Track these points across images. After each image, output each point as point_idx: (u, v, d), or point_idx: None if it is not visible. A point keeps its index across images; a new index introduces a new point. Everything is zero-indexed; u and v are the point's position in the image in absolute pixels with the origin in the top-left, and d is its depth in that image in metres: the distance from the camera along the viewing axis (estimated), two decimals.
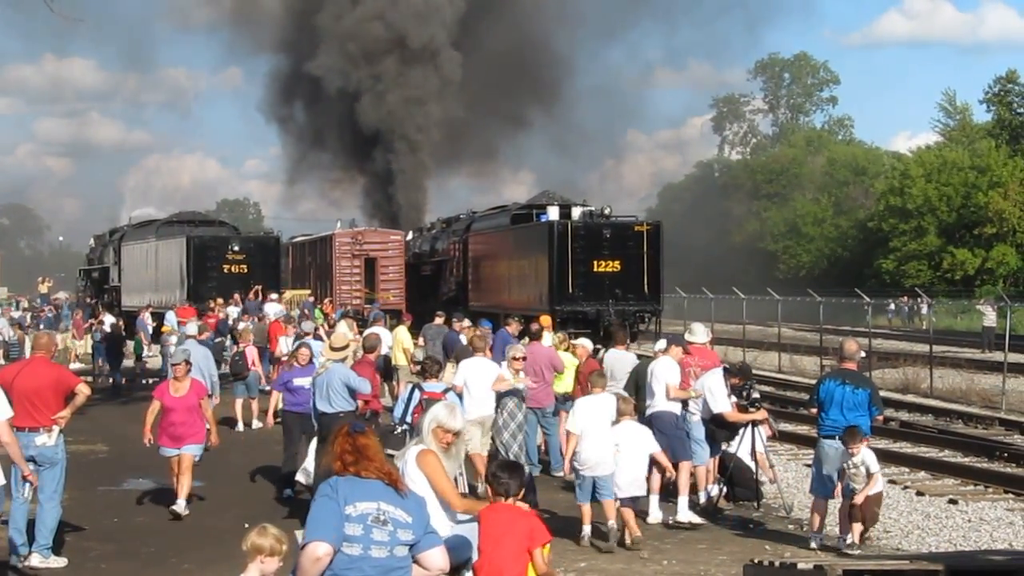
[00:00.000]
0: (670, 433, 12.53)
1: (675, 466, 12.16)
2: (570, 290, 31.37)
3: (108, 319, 36.00)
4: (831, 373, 11.80)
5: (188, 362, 13.28)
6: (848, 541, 11.01)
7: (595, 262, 31.54)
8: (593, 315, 30.66)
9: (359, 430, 5.61)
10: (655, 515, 12.39)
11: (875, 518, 11.49)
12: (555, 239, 31.54)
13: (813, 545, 11.12)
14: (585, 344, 16.63)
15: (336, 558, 5.38)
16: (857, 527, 11.03)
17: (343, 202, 64.24)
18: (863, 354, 14.88)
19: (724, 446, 13.52)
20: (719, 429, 13.07)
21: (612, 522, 11.18)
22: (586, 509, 11.34)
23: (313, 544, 5.31)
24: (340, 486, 5.46)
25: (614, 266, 31.57)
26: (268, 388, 21.86)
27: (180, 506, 12.84)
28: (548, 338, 17.23)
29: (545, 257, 31.97)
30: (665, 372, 12.87)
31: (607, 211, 32.84)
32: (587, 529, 11.33)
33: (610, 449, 11.22)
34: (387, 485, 5.52)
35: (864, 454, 10.91)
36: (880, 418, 11.66)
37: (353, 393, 12.75)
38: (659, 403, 12.81)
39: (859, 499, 10.86)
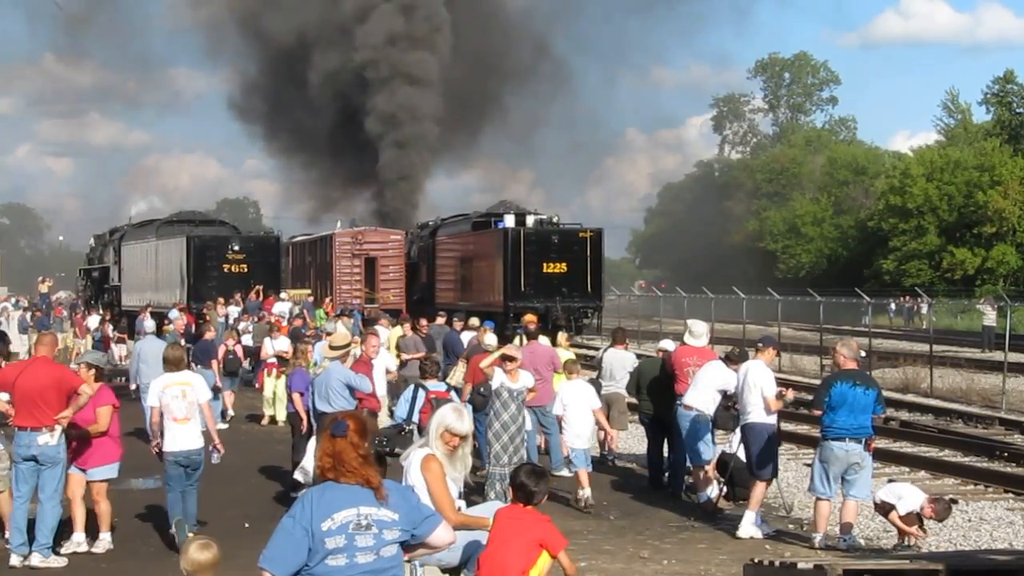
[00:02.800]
0: (761, 447, 11.89)
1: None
2: (522, 289, 35.42)
3: (92, 321, 36.09)
4: (839, 375, 11.49)
5: (92, 366, 11.38)
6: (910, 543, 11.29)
7: (544, 264, 35.82)
8: (543, 311, 33.12)
9: (339, 433, 5.45)
10: (747, 530, 11.74)
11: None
12: (509, 244, 35.67)
13: (816, 544, 11.11)
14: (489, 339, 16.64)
15: (321, 570, 5.33)
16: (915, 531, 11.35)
17: (338, 202, 64.30)
18: (863, 353, 14.86)
19: (725, 441, 13.54)
20: (725, 412, 12.89)
21: (587, 490, 13.11)
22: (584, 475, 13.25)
23: (261, 572, 5.33)
24: (314, 502, 5.37)
25: (561, 268, 35.89)
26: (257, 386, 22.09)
27: (77, 542, 11.00)
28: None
29: (501, 259, 35.98)
30: (762, 379, 11.92)
31: (555, 219, 37.30)
32: (587, 492, 13.13)
33: (591, 425, 13.86)
34: (365, 488, 5.41)
35: None
36: (881, 416, 11.59)
37: (353, 392, 12.72)
38: (755, 414, 11.93)
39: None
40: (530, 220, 37.01)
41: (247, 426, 20.91)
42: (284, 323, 25.80)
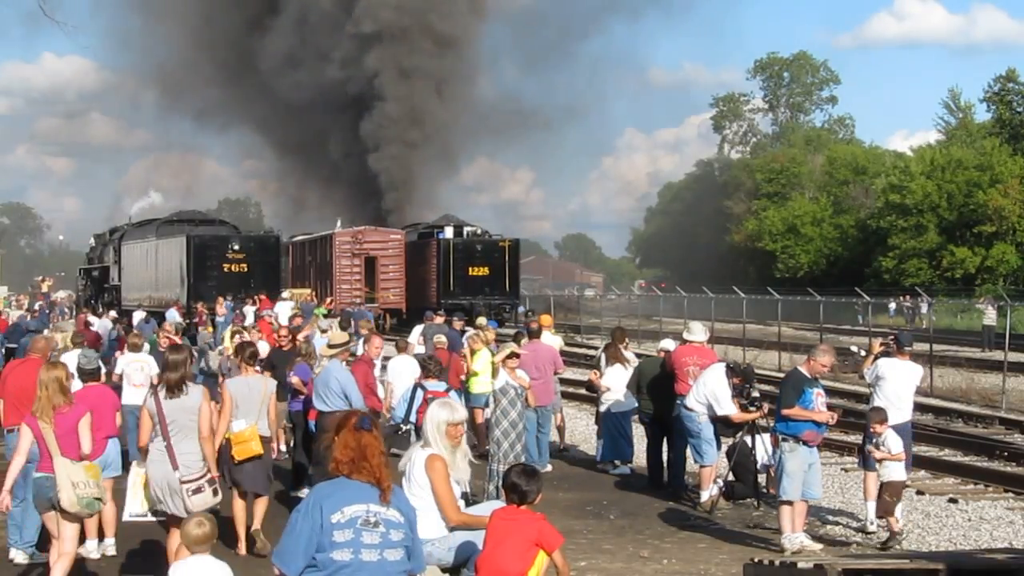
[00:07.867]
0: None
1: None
2: (451, 288, 43.19)
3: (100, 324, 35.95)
4: None
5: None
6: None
7: (470, 268, 43.77)
8: (468, 306, 40.09)
9: (365, 427, 5.55)
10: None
11: (889, 507, 11.59)
12: (441, 251, 43.66)
13: (790, 545, 10.96)
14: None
15: (326, 563, 5.37)
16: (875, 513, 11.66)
17: (337, 202, 64.41)
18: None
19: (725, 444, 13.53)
20: (726, 428, 13.07)
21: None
22: None
23: (273, 568, 5.44)
24: (324, 498, 5.43)
25: (484, 271, 43.91)
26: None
27: (89, 549, 10.63)
28: (548, 336, 17.33)
29: (435, 264, 43.85)
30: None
31: (479, 231, 45.44)
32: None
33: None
34: (374, 487, 5.48)
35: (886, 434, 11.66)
36: (785, 411, 11.24)
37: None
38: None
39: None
40: (466, 231, 44.82)
41: None
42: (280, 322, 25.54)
